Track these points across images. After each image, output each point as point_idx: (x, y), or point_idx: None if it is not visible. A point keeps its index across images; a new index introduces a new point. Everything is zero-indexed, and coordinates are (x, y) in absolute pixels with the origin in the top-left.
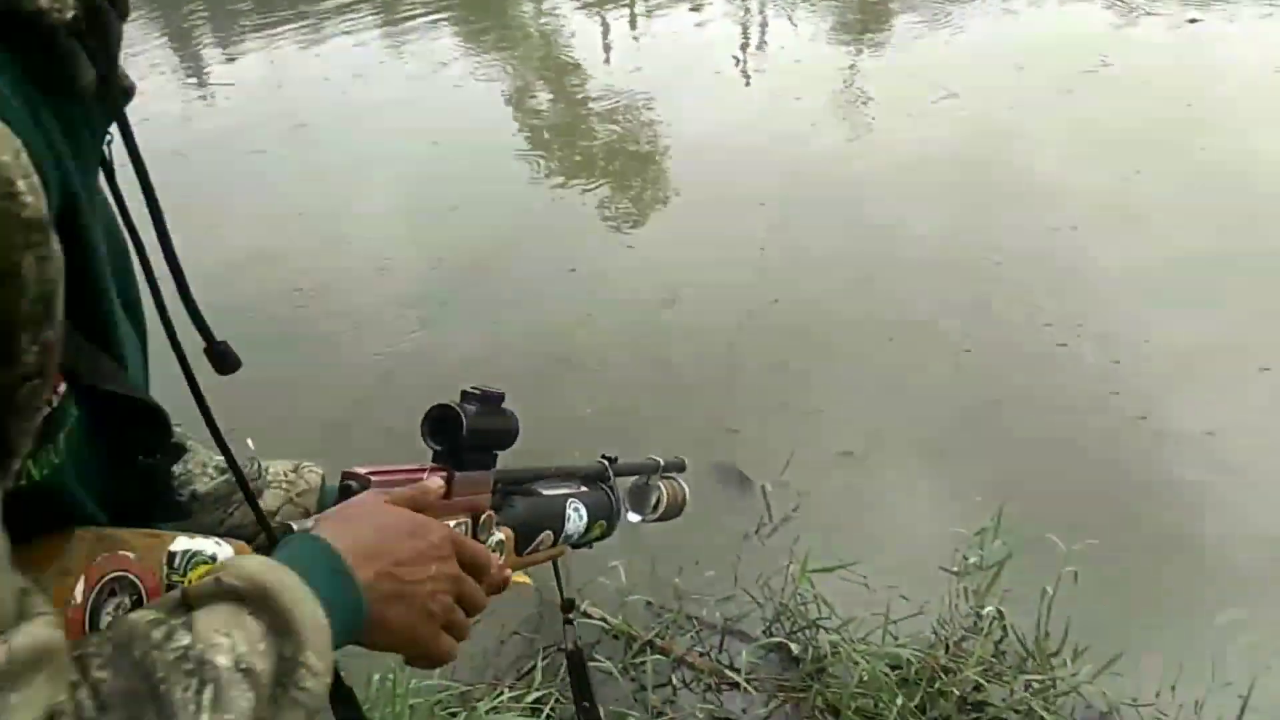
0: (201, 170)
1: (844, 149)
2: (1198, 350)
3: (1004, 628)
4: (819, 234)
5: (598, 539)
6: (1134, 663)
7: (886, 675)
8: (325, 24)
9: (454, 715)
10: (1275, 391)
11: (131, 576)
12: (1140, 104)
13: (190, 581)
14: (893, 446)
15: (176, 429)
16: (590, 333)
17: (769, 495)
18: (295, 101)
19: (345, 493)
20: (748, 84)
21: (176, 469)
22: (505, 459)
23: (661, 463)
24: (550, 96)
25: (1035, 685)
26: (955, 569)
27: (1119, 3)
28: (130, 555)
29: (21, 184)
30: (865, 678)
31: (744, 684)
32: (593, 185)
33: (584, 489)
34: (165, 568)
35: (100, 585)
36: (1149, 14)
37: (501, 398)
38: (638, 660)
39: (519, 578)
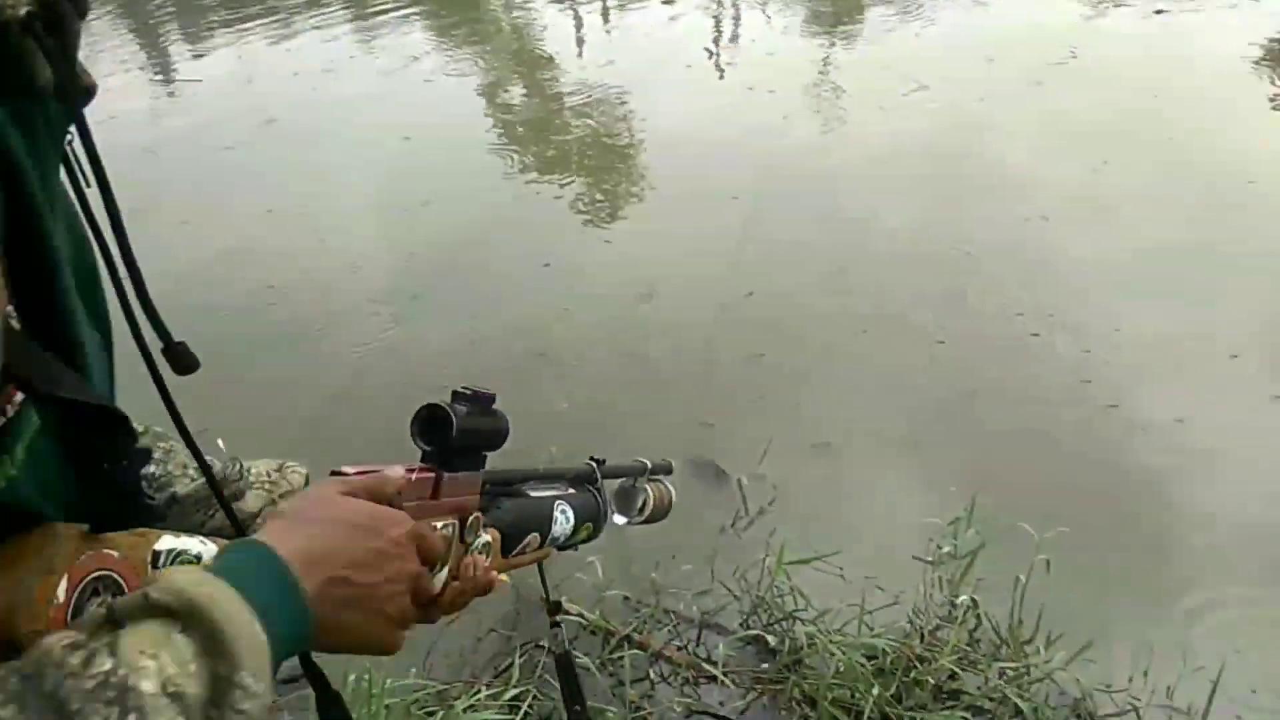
0: (171, 167)
1: (817, 142)
2: (1168, 339)
3: (978, 616)
4: (793, 227)
5: (584, 541)
6: (1106, 649)
7: (863, 665)
8: (295, 19)
9: (431, 714)
10: (1244, 378)
11: (115, 575)
12: (1109, 95)
13: None
14: (867, 438)
15: (155, 430)
16: (566, 328)
17: (745, 488)
18: (265, 97)
19: None
20: (721, 77)
21: (156, 470)
22: (490, 458)
23: (649, 465)
24: (523, 91)
25: (1009, 673)
26: (930, 559)
27: None
28: (114, 554)
29: None
30: (841, 668)
31: (721, 677)
32: (567, 180)
33: (571, 491)
34: (149, 567)
35: (83, 584)
36: (1117, 5)
37: (492, 399)
38: (615, 655)
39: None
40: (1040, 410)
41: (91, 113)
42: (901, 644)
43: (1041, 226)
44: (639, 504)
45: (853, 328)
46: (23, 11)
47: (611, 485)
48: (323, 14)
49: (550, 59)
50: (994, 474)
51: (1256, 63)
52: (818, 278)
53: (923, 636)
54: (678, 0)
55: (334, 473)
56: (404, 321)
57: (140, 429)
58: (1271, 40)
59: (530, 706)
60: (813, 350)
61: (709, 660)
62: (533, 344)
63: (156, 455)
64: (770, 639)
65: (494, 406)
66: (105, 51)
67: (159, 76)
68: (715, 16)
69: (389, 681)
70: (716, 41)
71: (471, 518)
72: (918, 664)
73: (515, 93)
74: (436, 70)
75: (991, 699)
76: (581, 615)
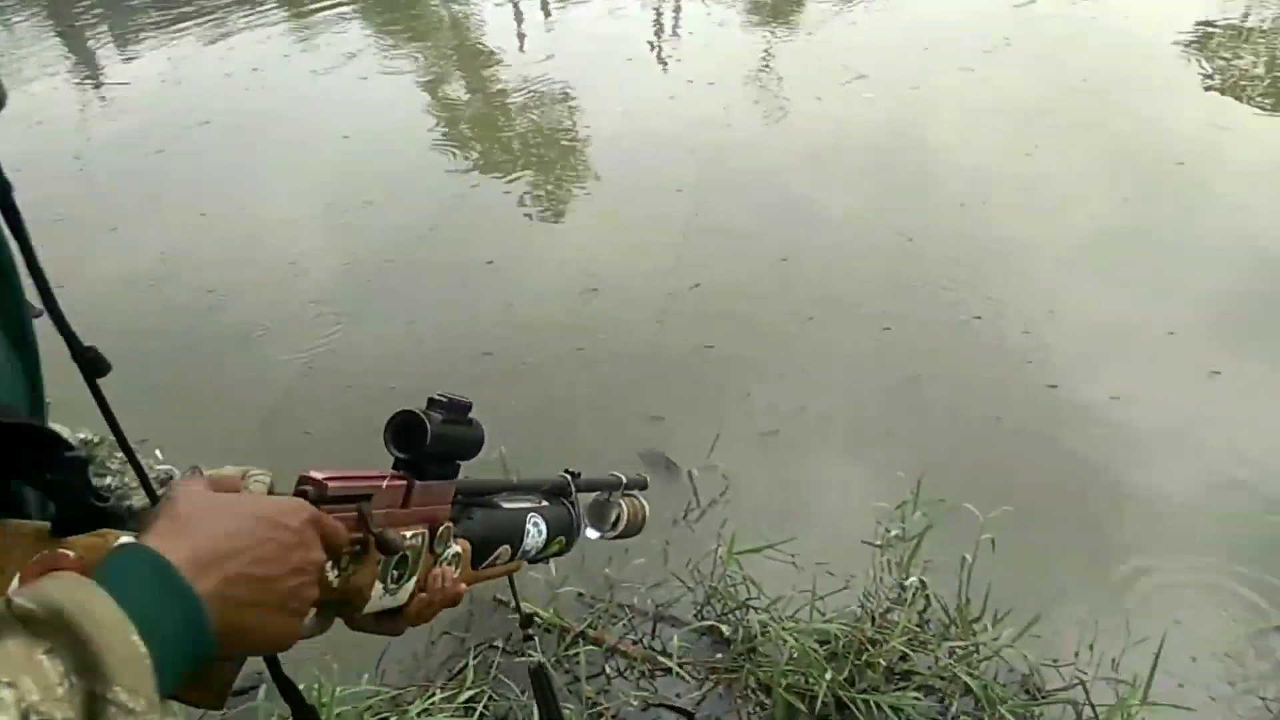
0: (101, 173)
1: (758, 133)
2: (1105, 318)
3: (927, 597)
4: (737, 218)
5: (555, 554)
6: (1053, 625)
7: (815, 651)
8: (228, 19)
9: None
10: (1181, 356)
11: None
12: (1042, 81)
13: None
14: (816, 425)
15: (112, 440)
16: (511, 325)
17: (696, 480)
18: (197, 99)
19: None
20: (665, 70)
21: (113, 482)
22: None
23: (624, 479)
24: (464, 87)
25: (959, 652)
26: (878, 543)
27: None
28: (70, 554)
29: None
30: (795, 655)
31: (677, 668)
32: (509, 176)
33: (545, 504)
34: None
35: None
36: None
37: (469, 407)
38: (571, 652)
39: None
40: (983, 392)
41: (14, 120)
42: (853, 628)
43: (979, 211)
44: (612, 518)
45: (799, 316)
46: None
47: (585, 499)
48: (257, 13)
49: (491, 54)
50: (940, 456)
51: (1186, 46)
52: (762, 268)
53: (874, 619)
54: None
55: (301, 477)
56: (347, 324)
57: (95, 438)
58: (1200, 24)
59: (486, 707)
60: (760, 340)
61: (664, 653)
62: (478, 343)
63: (114, 466)
64: (725, 629)
65: (470, 415)
66: (30, 56)
67: (87, 80)
68: (656, 9)
69: (339, 690)
70: (658, 34)
71: (442, 528)
72: (869, 647)
73: (456, 89)
74: (374, 68)
75: (942, 678)
76: (536, 613)
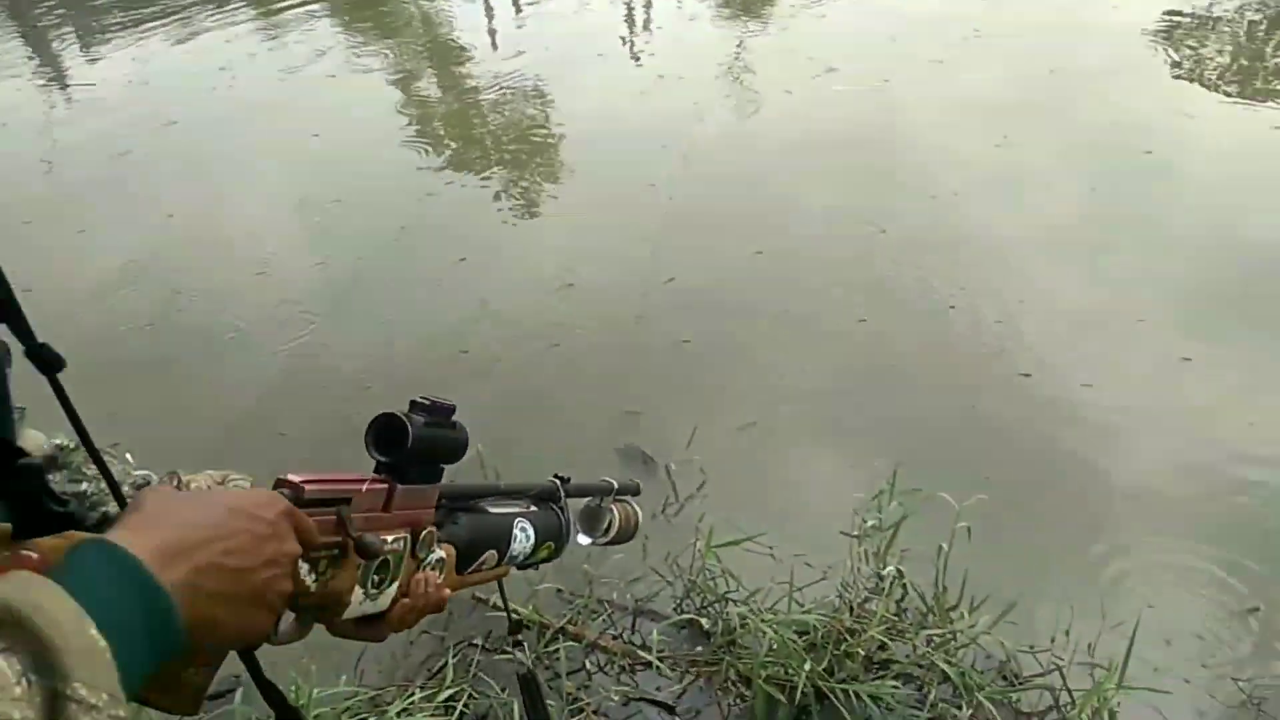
0: (67, 176)
1: (730, 127)
2: (1077, 306)
3: (904, 586)
4: (710, 212)
5: (544, 560)
6: (1029, 611)
7: (794, 642)
8: (194, 18)
9: None
10: (1151, 342)
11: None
12: (1010, 71)
13: None
14: (792, 417)
15: (69, 446)
16: (487, 322)
17: (673, 474)
18: (164, 100)
19: None
20: (638, 65)
21: (89, 488)
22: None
23: (615, 485)
24: (435, 84)
25: (936, 639)
26: (855, 533)
27: None
28: (33, 555)
29: None
30: (774, 646)
31: (657, 662)
32: (481, 173)
33: (533, 509)
34: None
35: None
36: None
37: (452, 410)
38: (550, 649)
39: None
40: (958, 381)
41: None
42: (831, 618)
43: (950, 202)
44: (604, 524)
45: (774, 309)
46: None
47: (578, 505)
48: (223, 12)
49: (462, 50)
50: (916, 446)
51: (1154, 35)
52: (737, 261)
53: (852, 609)
54: None
55: (279, 480)
56: (320, 324)
57: (71, 444)
58: (1167, 14)
59: (466, 706)
60: (735, 333)
61: (644, 647)
62: (453, 340)
63: (90, 472)
64: (704, 622)
65: (453, 418)
66: None
67: (52, 82)
68: (627, 4)
69: (316, 692)
70: (630, 29)
71: (425, 532)
72: (848, 636)
73: (427, 86)
74: (344, 66)
75: (920, 666)
76: (515, 611)
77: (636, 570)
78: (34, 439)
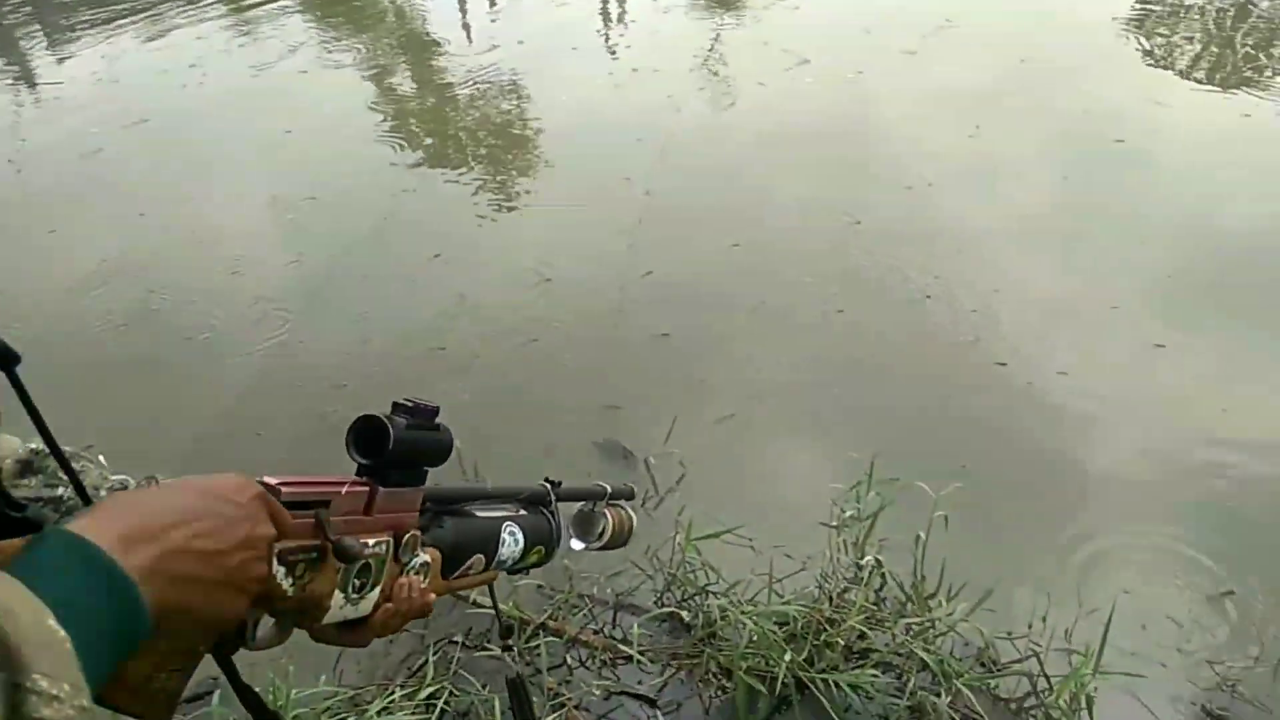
0: (36, 176)
1: (705, 120)
2: (1051, 295)
3: (883, 576)
4: (686, 205)
5: (535, 565)
6: (1007, 598)
7: (775, 633)
8: (164, 15)
9: None
10: (1125, 329)
11: None
12: (982, 61)
13: None
14: (771, 409)
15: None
16: (464, 318)
17: (653, 468)
18: (134, 98)
19: None
20: (614, 57)
21: (64, 493)
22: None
23: (608, 489)
24: (409, 78)
25: (915, 628)
26: (834, 523)
27: None
28: None
29: None
30: (755, 638)
31: (638, 656)
32: (457, 168)
33: (523, 512)
34: None
35: None
36: None
37: (435, 411)
38: (531, 644)
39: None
40: (934, 371)
41: None
42: (811, 608)
43: (925, 193)
44: (599, 530)
45: (751, 301)
46: None
47: (571, 509)
48: (194, 8)
49: (435, 45)
50: (893, 436)
51: (1126, 24)
52: (713, 254)
53: (831, 599)
54: None
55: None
56: (296, 322)
57: (47, 450)
58: (1138, 3)
59: (447, 703)
60: (713, 326)
61: (625, 641)
62: (431, 337)
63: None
64: (685, 615)
65: (437, 420)
66: None
67: (20, 81)
68: None
69: (294, 692)
70: (606, 22)
71: (408, 536)
72: (828, 626)
73: (401, 81)
74: (316, 61)
75: (899, 655)
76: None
77: (617, 564)
78: (8, 444)
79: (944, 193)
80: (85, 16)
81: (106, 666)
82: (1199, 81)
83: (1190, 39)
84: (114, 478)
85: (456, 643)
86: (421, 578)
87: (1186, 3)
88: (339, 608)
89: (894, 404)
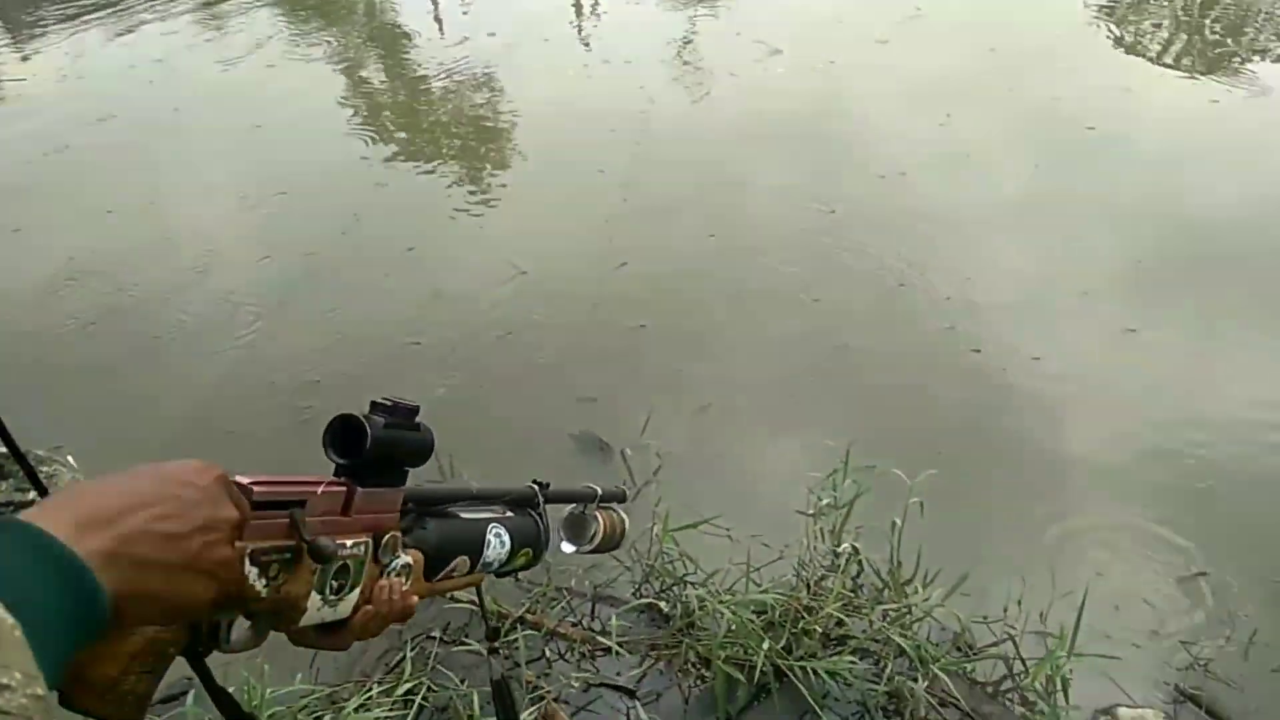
0: (1, 174)
1: (678, 111)
2: (1023, 281)
3: (860, 563)
4: (661, 196)
5: (522, 568)
6: (982, 583)
7: (753, 621)
8: (131, 10)
9: (319, 719)
10: (1095, 315)
11: None
12: (953, 50)
13: None
14: (748, 399)
15: (36, 454)
16: (439, 312)
17: (629, 459)
18: (99, 94)
19: None
20: (586, 49)
21: (35, 497)
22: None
23: (599, 491)
24: (380, 72)
25: (892, 614)
26: (811, 512)
27: None
28: None
29: None
30: (733, 627)
31: (617, 648)
32: (429, 161)
33: (509, 514)
34: None
35: None
36: None
37: (415, 411)
38: (509, 638)
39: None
40: (910, 358)
41: None
42: (789, 597)
43: (898, 182)
44: (590, 533)
45: (727, 291)
46: None
47: (561, 511)
48: (161, 3)
49: (406, 37)
50: (869, 424)
51: (1096, 11)
52: (689, 245)
53: (809, 587)
54: None
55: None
56: (267, 318)
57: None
58: None
59: (425, 699)
60: (690, 317)
61: (604, 632)
62: (406, 331)
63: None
64: (663, 606)
65: (417, 420)
66: None
67: None
68: None
69: (270, 692)
70: (578, 14)
71: (388, 537)
72: (805, 614)
73: (372, 74)
74: (285, 55)
75: (877, 641)
76: (472, 601)
77: (594, 556)
78: None
79: (916, 181)
80: (50, 12)
81: (64, 655)
82: (1168, 68)
83: (1159, 25)
84: (83, 479)
85: (434, 638)
86: (403, 580)
87: None
88: (316, 610)
89: (869, 391)
